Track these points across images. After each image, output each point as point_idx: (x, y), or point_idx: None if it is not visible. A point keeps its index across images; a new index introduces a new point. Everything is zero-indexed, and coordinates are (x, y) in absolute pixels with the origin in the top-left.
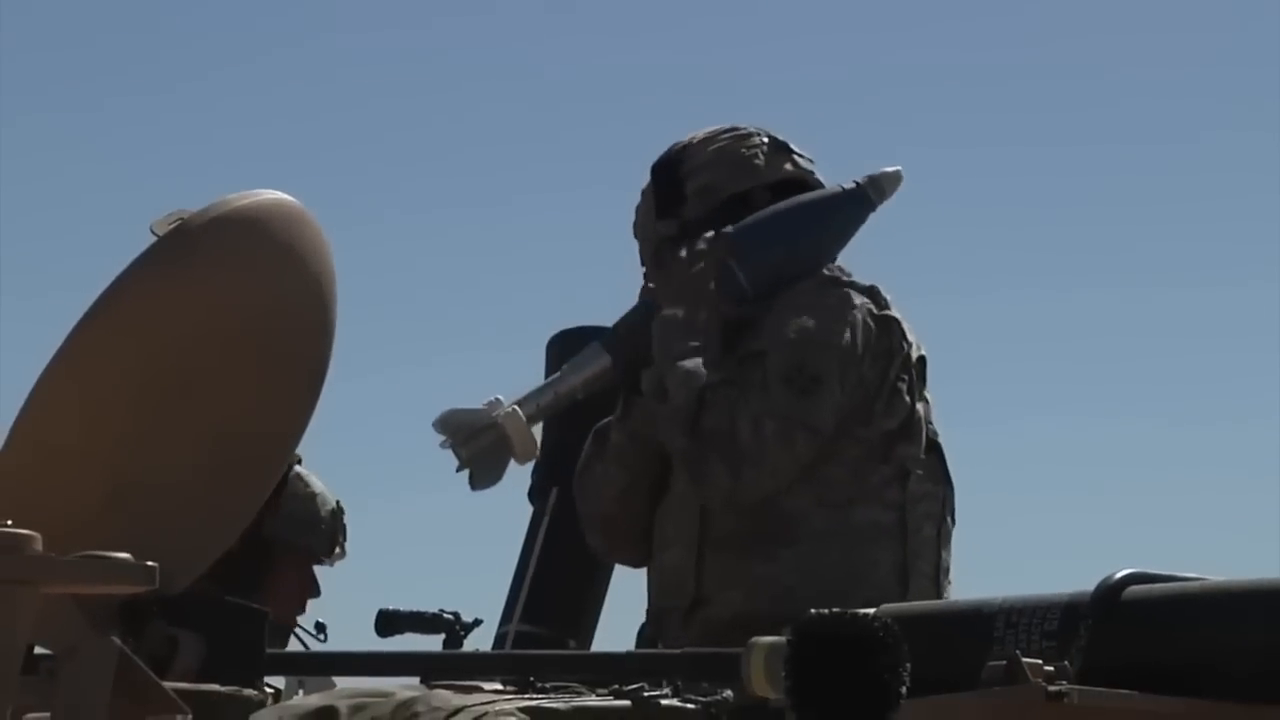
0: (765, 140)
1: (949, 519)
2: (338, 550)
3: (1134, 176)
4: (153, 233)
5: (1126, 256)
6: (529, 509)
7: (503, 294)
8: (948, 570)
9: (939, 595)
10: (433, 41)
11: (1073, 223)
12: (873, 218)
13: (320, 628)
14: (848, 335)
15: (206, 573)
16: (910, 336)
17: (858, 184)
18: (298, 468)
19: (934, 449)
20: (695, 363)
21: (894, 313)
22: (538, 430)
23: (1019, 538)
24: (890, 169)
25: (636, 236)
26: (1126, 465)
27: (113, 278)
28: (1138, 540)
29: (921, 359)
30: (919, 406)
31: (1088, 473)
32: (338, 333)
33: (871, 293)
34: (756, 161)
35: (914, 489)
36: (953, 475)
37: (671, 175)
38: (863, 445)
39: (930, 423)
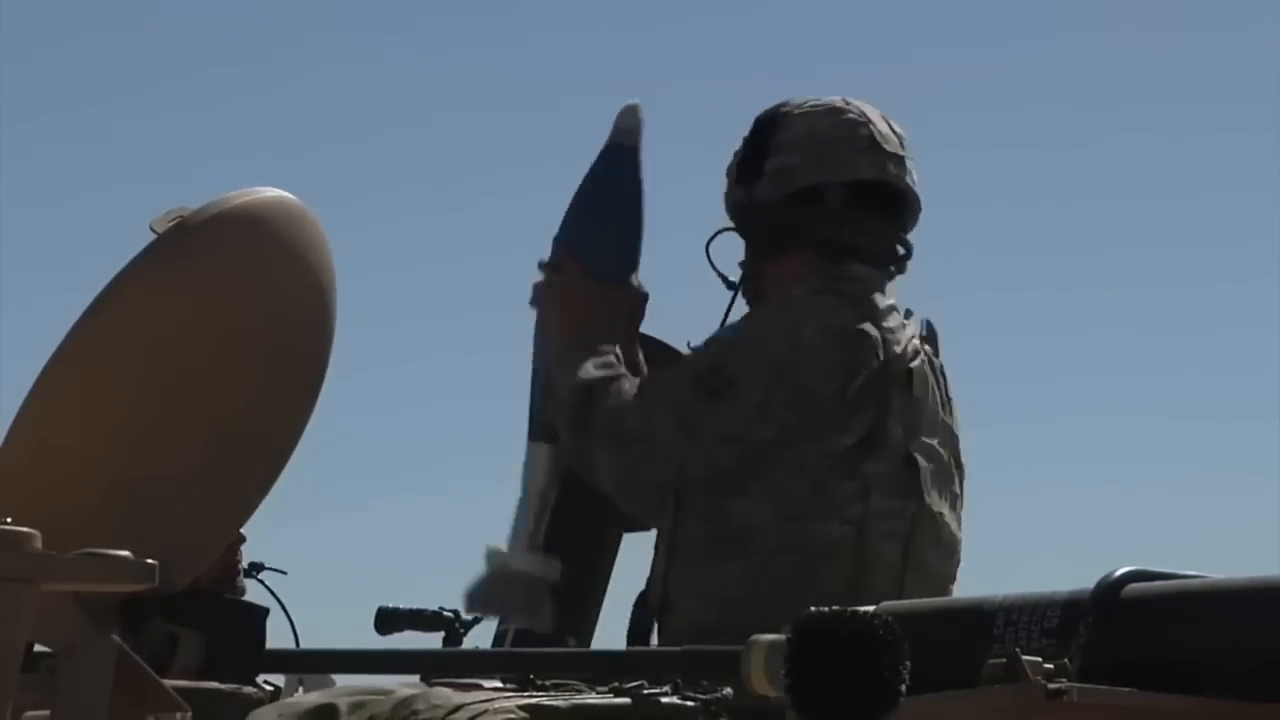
0: (864, 132)
1: (929, 536)
2: None
3: (1127, 177)
4: (152, 230)
5: (1127, 256)
6: None
7: (503, 293)
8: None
9: None
10: (434, 40)
11: (1075, 223)
12: None
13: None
14: (783, 343)
15: None
16: (899, 348)
17: (607, 143)
18: None
19: (909, 464)
20: (584, 360)
21: (873, 329)
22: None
23: (1019, 536)
24: (625, 107)
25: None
26: (1126, 464)
27: (112, 276)
28: (1137, 538)
29: (908, 371)
30: (889, 421)
31: (1088, 471)
32: (337, 330)
33: (864, 303)
34: (843, 156)
35: (876, 505)
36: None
37: (762, 140)
38: (828, 459)
39: (921, 437)
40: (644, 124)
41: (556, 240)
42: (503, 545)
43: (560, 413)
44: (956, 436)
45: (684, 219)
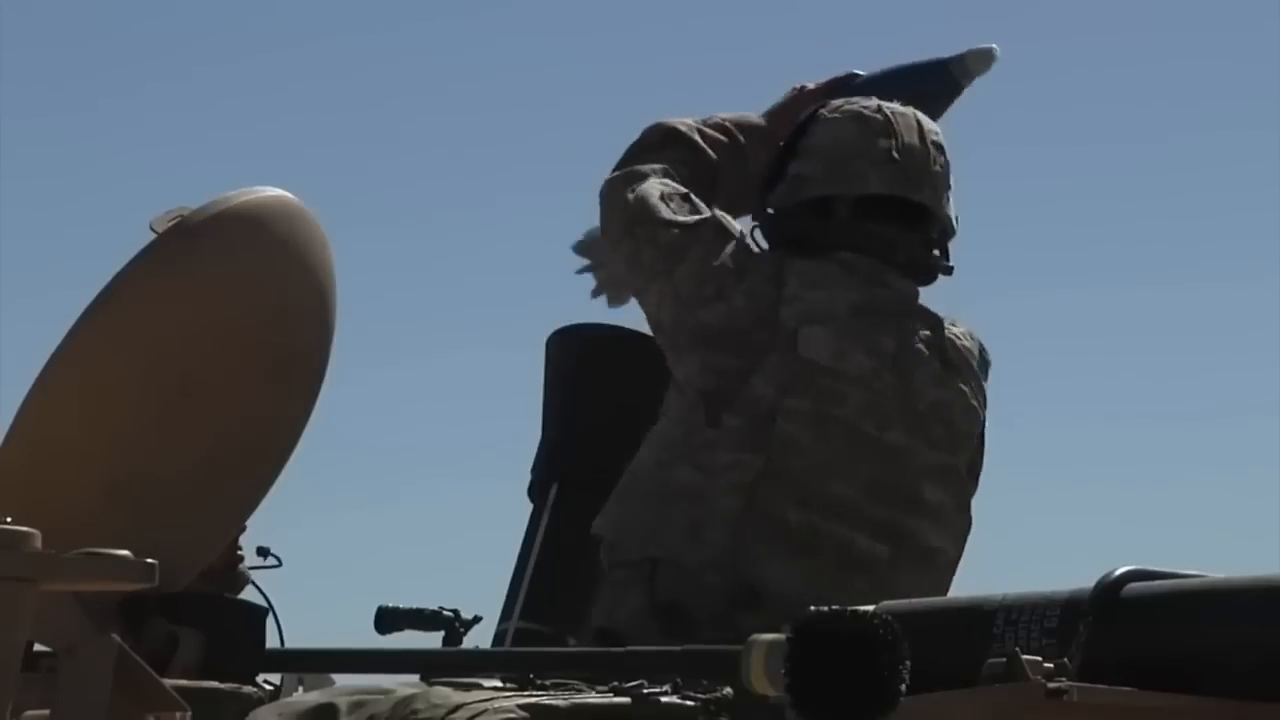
0: (883, 144)
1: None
2: None
3: (1130, 177)
4: (152, 230)
5: (1125, 254)
6: (529, 506)
7: (503, 292)
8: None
9: (733, 568)
10: (434, 39)
11: (1074, 222)
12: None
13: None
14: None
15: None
16: (806, 302)
17: (944, 62)
18: None
19: (765, 420)
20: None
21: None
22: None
23: (1019, 535)
24: (982, 47)
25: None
26: (1127, 463)
27: (112, 275)
28: (1137, 538)
29: (792, 334)
30: (755, 379)
31: (1088, 470)
32: (337, 329)
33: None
34: (857, 170)
35: (721, 457)
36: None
37: (792, 140)
38: (698, 408)
39: (794, 396)
40: (982, 76)
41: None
42: None
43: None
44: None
45: None
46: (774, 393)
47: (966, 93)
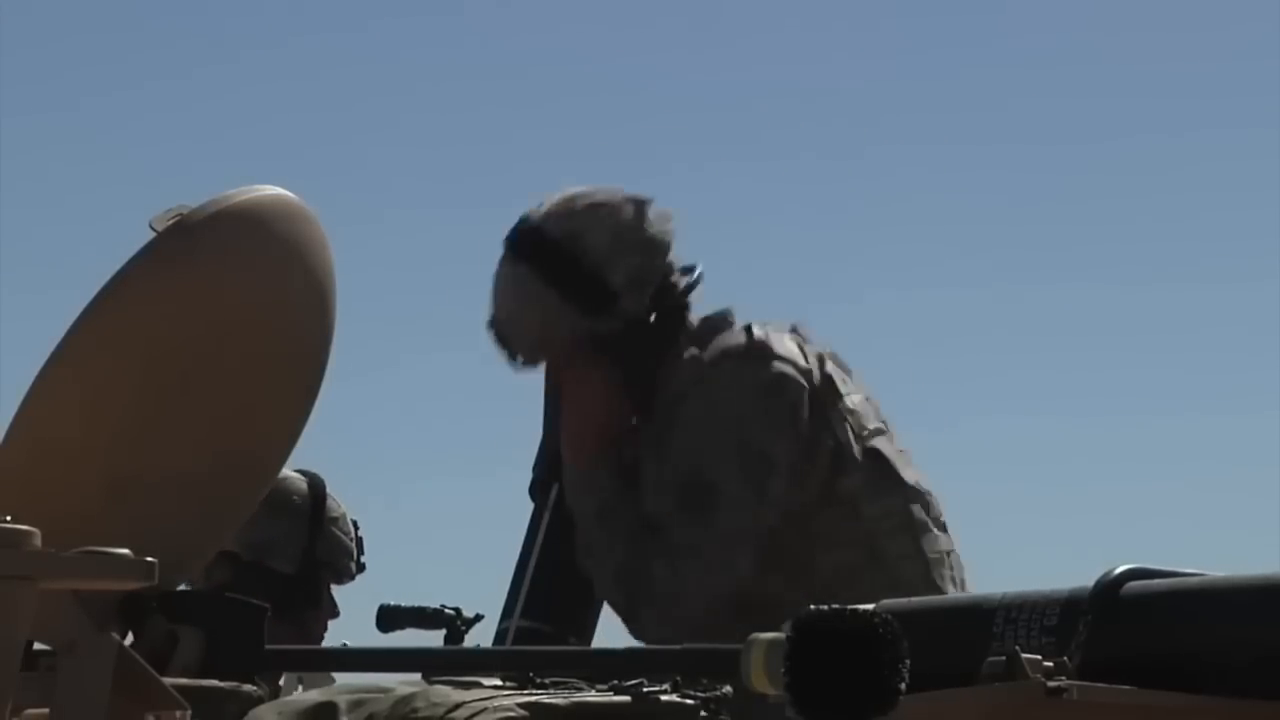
0: (631, 206)
1: (924, 514)
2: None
3: (1132, 175)
4: (152, 229)
5: (1125, 251)
6: (529, 505)
7: None
8: (953, 563)
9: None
10: (436, 37)
11: (1075, 220)
12: (873, 217)
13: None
14: (763, 430)
15: (263, 595)
16: (830, 369)
17: None
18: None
19: (874, 457)
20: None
21: (784, 365)
22: None
23: (1019, 534)
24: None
25: (528, 335)
26: (1127, 462)
27: (112, 274)
28: (1137, 537)
29: (828, 379)
30: (840, 430)
31: (1088, 470)
32: (337, 328)
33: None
34: (657, 233)
35: (869, 511)
36: (935, 472)
37: (575, 267)
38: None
39: (867, 430)
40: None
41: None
42: None
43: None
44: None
45: None
46: (853, 436)
47: (942, 89)
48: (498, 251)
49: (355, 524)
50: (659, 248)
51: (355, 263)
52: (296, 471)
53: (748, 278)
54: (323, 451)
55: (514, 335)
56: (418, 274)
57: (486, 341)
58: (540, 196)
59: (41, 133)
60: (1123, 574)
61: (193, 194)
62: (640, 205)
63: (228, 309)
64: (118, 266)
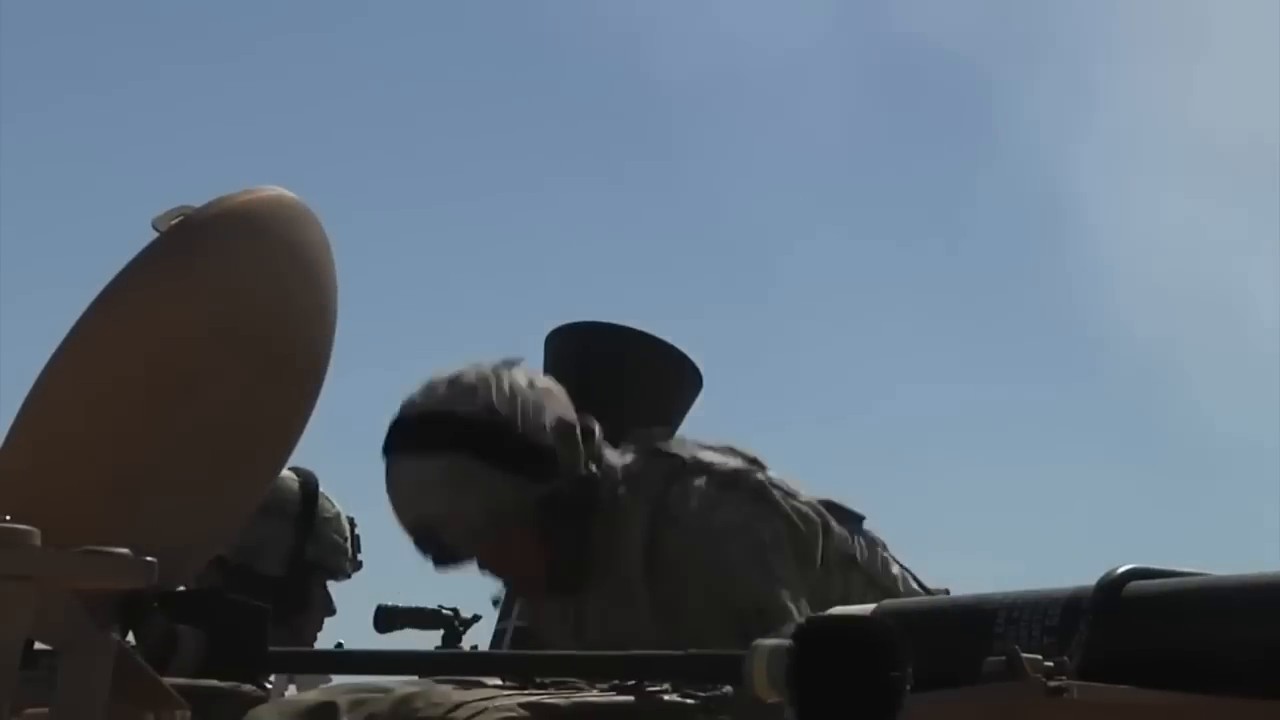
0: (512, 368)
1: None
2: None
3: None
4: (155, 229)
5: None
6: None
7: (503, 290)
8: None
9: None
10: (437, 37)
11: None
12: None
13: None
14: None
15: (254, 596)
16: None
17: None
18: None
19: (829, 506)
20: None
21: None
22: None
23: (1019, 534)
24: None
25: (471, 524)
26: (1127, 462)
27: (114, 274)
28: (1139, 536)
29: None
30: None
31: (1088, 470)
32: (338, 328)
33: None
34: (550, 384)
35: (862, 555)
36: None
37: (511, 437)
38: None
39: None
40: None
41: None
42: None
43: None
44: None
45: None
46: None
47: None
48: (498, 251)
49: (352, 521)
50: (557, 397)
51: (357, 263)
52: (289, 469)
53: None
54: (322, 451)
55: (453, 530)
56: (419, 273)
57: (486, 341)
58: (406, 391)
59: (42, 133)
60: (1125, 574)
61: (195, 194)
62: (519, 364)
63: (230, 310)
64: (120, 267)
